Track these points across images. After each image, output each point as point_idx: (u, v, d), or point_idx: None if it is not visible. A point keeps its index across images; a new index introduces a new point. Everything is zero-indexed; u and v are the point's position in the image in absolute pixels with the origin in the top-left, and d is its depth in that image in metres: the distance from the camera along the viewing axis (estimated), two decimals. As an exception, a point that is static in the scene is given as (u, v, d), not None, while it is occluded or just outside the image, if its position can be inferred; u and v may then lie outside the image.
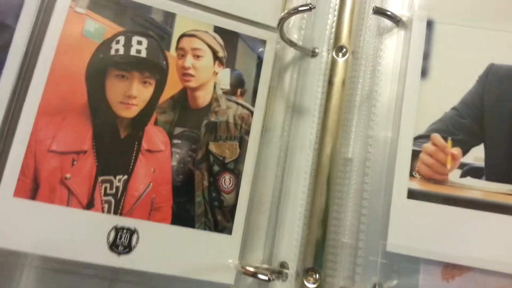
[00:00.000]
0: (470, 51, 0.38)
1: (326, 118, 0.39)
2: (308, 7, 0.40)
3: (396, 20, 0.41)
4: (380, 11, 0.40)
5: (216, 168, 0.40)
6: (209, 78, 0.42)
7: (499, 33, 0.38)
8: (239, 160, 0.40)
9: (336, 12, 0.43)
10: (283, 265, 0.38)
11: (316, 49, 0.43)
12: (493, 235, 0.34)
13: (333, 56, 0.41)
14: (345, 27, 0.42)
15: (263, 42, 0.43)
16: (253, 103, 0.42)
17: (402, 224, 0.36)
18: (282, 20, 0.40)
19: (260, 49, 0.43)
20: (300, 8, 0.40)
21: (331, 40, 0.42)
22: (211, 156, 0.40)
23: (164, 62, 0.41)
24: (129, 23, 0.40)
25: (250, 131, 0.41)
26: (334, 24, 0.43)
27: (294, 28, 0.44)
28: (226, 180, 0.40)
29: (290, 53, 0.44)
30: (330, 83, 0.40)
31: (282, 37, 0.41)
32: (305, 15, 0.44)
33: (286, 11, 0.40)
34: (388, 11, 0.41)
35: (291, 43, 0.43)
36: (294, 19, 0.44)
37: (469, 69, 0.38)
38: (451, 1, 0.41)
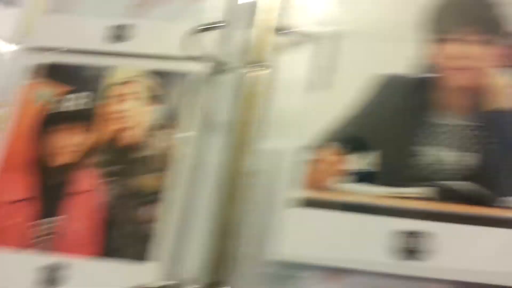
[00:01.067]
0: (367, 63, 0.41)
1: (232, 133, 0.42)
2: (219, 25, 0.43)
3: (301, 36, 0.44)
4: (282, 29, 0.43)
5: (145, 199, 0.42)
6: (140, 118, 0.45)
7: (396, 45, 0.41)
8: (168, 189, 0.42)
9: (245, 28, 0.45)
10: (189, 281, 0.39)
11: (227, 65, 0.45)
12: (379, 238, 0.36)
13: (242, 71, 0.44)
14: (254, 42, 0.45)
15: (190, 74, 0.45)
16: (181, 133, 0.44)
17: (296, 233, 0.37)
18: (191, 37, 0.42)
19: (189, 81, 0.46)
20: (210, 26, 0.43)
21: (242, 55, 0.45)
22: (141, 188, 0.42)
23: (97, 111, 0.45)
24: (72, 82, 0.47)
25: (178, 161, 0.43)
26: (244, 39, 0.45)
27: (206, 44, 0.46)
28: (155, 210, 0.41)
29: (203, 70, 0.46)
30: (239, 97, 0.43)
31: (191, 55, 0.44)
32: (216, 32, 0.46)
33: (195, 28, 0.43)
34: (291, 29, 0.44)
35: (202, 59, 0.44)
36: (205, 35, 0.45)
37: (365, 79, 0.41)
38: (352, 17, 0.44)
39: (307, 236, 0.37)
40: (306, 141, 0.40)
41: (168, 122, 0.45)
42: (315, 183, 0.39)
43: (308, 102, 0.41)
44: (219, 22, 0.43)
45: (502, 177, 0.36)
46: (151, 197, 0.42)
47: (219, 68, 0.46)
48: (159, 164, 0.43)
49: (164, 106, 0.45)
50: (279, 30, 0.44)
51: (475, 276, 0.34)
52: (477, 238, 0.35)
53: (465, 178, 0.37)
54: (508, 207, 0.35)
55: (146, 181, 0.43)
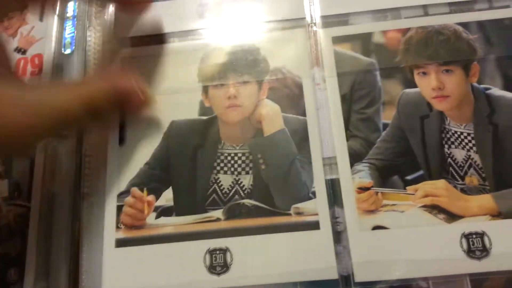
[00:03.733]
0: (156, 114, 0.47)
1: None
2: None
3: None
4: None
5: (1, 265, 0.44)
6: None
7: (176, 94, 0.49)
8: (22, 252, 0.44)
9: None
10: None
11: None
12: (194, 259, 0.42)
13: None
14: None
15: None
16: (29, 200, 0.47)
17: (115, 271, 0.42)
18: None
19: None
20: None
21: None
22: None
23: None
24: None
25: (30, 224, 0.45)
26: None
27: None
28: (12, 274, 0.44)
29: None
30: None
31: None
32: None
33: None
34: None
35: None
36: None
37: (156, 129, 0.47)
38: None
39: (127, 272, 0.42)
40: (116, 189, 0.45)
41: (19, 192, 0.47)
42: (128, 223, 0.44)
43: (111, 155, 0.46)
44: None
45: (273, 191, 0.44)
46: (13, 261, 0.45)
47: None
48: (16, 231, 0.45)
49: (14, 179, 0.47)
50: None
51: (271, 279, 0.41)
52: (266, 245, 0.42)
53: (245, 197, 0.44)
54: (285, 214, 0.43)
55: (5, 248, 0.45)
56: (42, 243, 0.45)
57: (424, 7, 0.50)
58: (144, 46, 0.51)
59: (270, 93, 0.47)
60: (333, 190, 0.44)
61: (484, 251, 0.41)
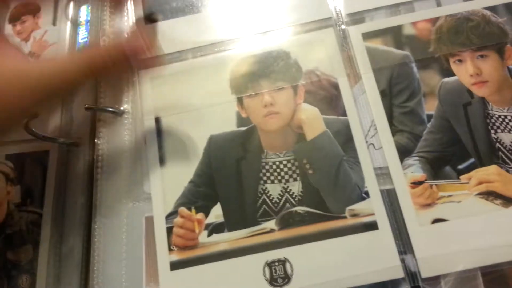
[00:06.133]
0: (192, 131, 0.47)
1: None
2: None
3: (119, 114, 0.49)
4: (91, 108, 0.48)
5: (14, 272, 0.45)
6: (2, 198, 0.47)
7: (210, 108, 0.48)
8: (34, 260, 0.45)
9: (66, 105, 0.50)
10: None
11: (61, 139, 0.49)
12: (254, 274, 0.41)
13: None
14: (74, 120, 0.50)
15: (47, 152, 0.49)
16: (41, 206, 0.47)
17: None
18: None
19: (45, 159, 0.49)
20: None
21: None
22: (8, 263, 0.45)
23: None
24: None
25: (41, 232, 0.46)
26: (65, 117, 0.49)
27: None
28: (23, 281, 0.45)
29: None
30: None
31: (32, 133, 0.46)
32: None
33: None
34: (103, 107, 0.49)
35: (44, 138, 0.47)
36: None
37: (195, 145, 0.46)
38: (168, 98, 0.49)
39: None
40: (163, 211, 0.44)
41: (31, 199, 0.47)
42: (180, 244, 0.43)
43: (154, 177, 0.45)
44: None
45: (324, 195, 0.43)
46: (25, 268, 0.45)
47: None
48: (28, 237, 0.46)
49: (27, 185, 0.48)
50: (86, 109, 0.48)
51: (334, 285, 0.40)
52: (325, 251, 0.41)
53: (296, 204, 0.43)
54: (340, 217, 0.42)
55: (17, 255, 0.45)
56: (53, 250, 0.45)
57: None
58: (168, 65, 0.51)
59: (307, 97, 0.47)
60: (387, 190, 0.43)
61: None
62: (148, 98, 0.49)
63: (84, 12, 0.57)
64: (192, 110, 0.48)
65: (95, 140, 0.48)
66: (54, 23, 0.57)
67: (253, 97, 0.47)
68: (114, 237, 0.44)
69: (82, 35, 0.55)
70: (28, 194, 0.48)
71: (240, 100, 0.48)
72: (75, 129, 0.50)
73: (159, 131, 0.47)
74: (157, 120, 0.48)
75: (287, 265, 0.41)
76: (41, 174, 0.48)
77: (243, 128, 0.47)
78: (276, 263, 0.41)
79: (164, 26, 0.53)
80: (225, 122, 0.47)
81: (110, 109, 0.49)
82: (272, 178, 0.45)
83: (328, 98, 0.47)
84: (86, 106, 0.47)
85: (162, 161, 0.46)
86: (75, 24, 0.55)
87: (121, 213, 0.45)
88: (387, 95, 0.46)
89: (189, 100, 0.49)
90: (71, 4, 0.57)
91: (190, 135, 0.47)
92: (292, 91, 0.47)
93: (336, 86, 0.47)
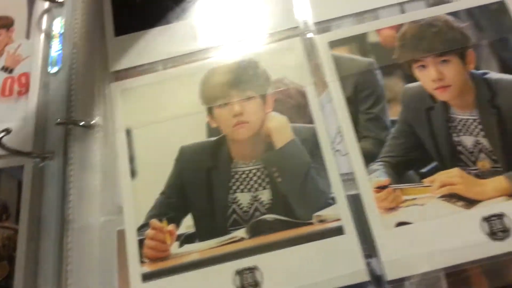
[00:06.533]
0: (163, 142, 0.48)
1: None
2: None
3: (90, 127, 0.49)
4: (62, 123, 0.49)
5: None
6: None
7: (181, 119, 0.48)
8: (9, 276, 0.45)
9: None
10: None
11: (33, 154, 0.49)
12: (215, 286, 0.42)
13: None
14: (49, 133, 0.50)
15: (21, 167, 0.49)
16: (17, 222, 0.47)
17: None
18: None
19: (20, 174, 0.49)
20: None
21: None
22: None
23: None
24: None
25: (17, 247, 0.46)
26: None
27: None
28: None
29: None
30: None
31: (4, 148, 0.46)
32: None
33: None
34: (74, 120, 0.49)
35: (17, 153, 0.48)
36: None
37: (166, 157, 0.47)
38: (139, 110, 0.50)
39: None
40: (135, 223, 0.44)
41: (6, 214, 0.47)
42: (151, 256, 0.43)
43: (125, 189, 0.46)
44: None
45: (293, 202, 0.44)
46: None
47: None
48: (3, 253, 0.46)
49: (2, 200, 0.48)
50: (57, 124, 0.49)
51: None
52: (294, 257, 0.42)
53: (266, 212, 0.44)
54: (308, 224, 0.43)
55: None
56: (29, 267, 0.45)
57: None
58: (139, 76, 0.51)
59: (276, 105, 0.47)
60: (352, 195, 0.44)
61: (506, 231, 0.42)
62: (119, 111, 0.50)
63: (58, 25, 0.57)
64: (163, 122, 0.48)
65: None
66: (27, 37, 0.57)
67: (222, 107, 0.48)
68: (87, 252, 0.44)
69: (56, 47, 0.55)
70: (4, 210, 0.48)
71: (210, 110, 0.48)
72: (49, 143, 0.51)
73: (130, 143, 0.48)
74: (128, 132, 0.49)
75: (257, 273, 0.42)
76: (17, 189, 0.48)
77: (213, 138, 0.47)
78: (246, 271, 0.42)
79: (134, 38, 0.54)
80: (195, 132, 0.48)
81: (81, 123, 0.49)
82: (241, 187, 0.46)
83: (296, 106, 0.48)
84: (57, 122, 0.48)
85: (133, 174, 0.47)
86: (49, 37, 0.56)
87: (94, 227, 0.45)
88: (353, 102, 0.47)
89: (160, 112, 0.49)
90: (45, 17, 0.58)
91: (161, 146, 0.47)
92: (261, 100, 0.48)
93: (304, 94, 0.48)
